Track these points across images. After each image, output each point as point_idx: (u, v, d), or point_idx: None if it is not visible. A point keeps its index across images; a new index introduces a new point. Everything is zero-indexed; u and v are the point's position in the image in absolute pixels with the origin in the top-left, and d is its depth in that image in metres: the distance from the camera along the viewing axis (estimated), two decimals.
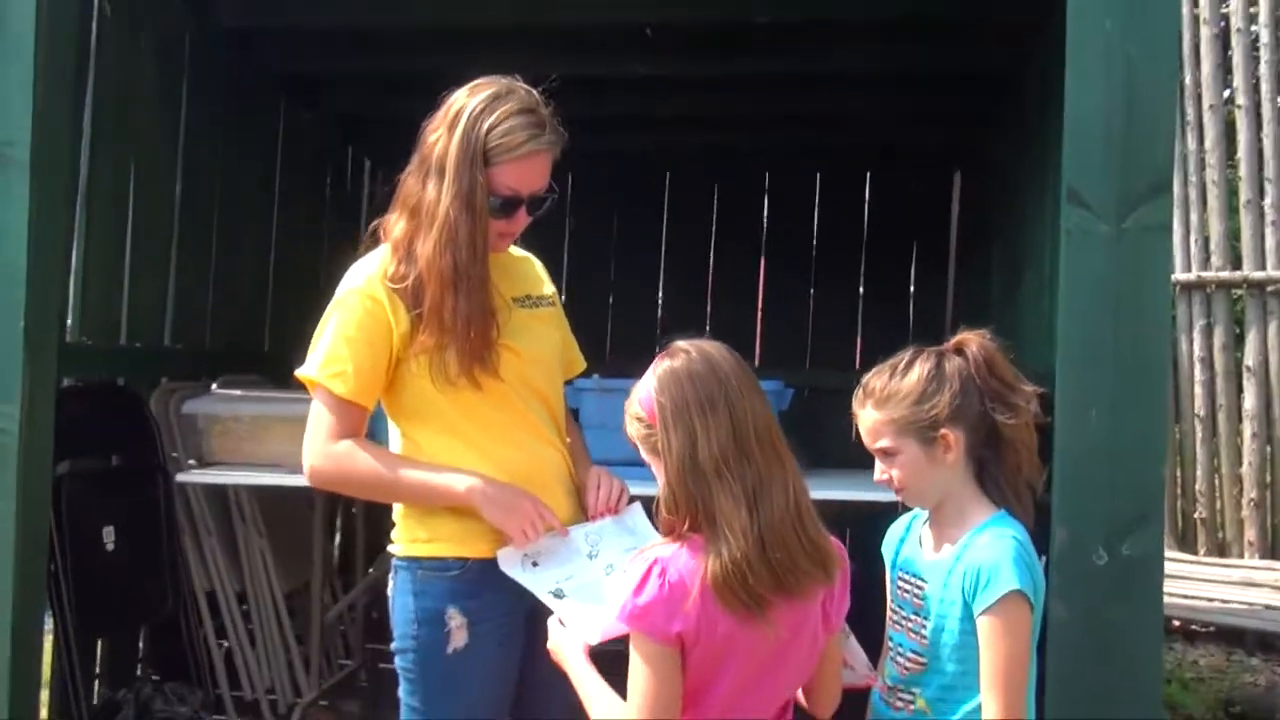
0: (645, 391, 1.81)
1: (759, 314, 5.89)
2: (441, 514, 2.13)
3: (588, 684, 1.85)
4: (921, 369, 1.94)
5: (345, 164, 5.53)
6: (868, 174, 5.82)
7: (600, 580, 2.10)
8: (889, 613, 2.04)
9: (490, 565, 2.12)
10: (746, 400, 1.75)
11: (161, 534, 3.73)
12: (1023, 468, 1.99)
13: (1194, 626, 5.46)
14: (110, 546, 3.50)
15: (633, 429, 1.84)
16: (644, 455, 1.83)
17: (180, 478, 3.50)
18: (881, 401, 1.95)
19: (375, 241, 2.24)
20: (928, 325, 5.55)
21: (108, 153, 3.59)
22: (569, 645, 1.92)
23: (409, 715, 2.16)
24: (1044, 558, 2.43)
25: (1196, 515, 6.89)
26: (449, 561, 2.12)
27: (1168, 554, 6.61)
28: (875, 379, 1.98)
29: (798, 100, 4.83)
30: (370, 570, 4.21)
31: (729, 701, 1.75)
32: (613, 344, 5.61)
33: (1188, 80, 6.89)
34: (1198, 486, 6.88)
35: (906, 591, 1.99)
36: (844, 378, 5.40)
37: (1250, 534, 6.72)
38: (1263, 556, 6.62)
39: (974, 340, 1.98)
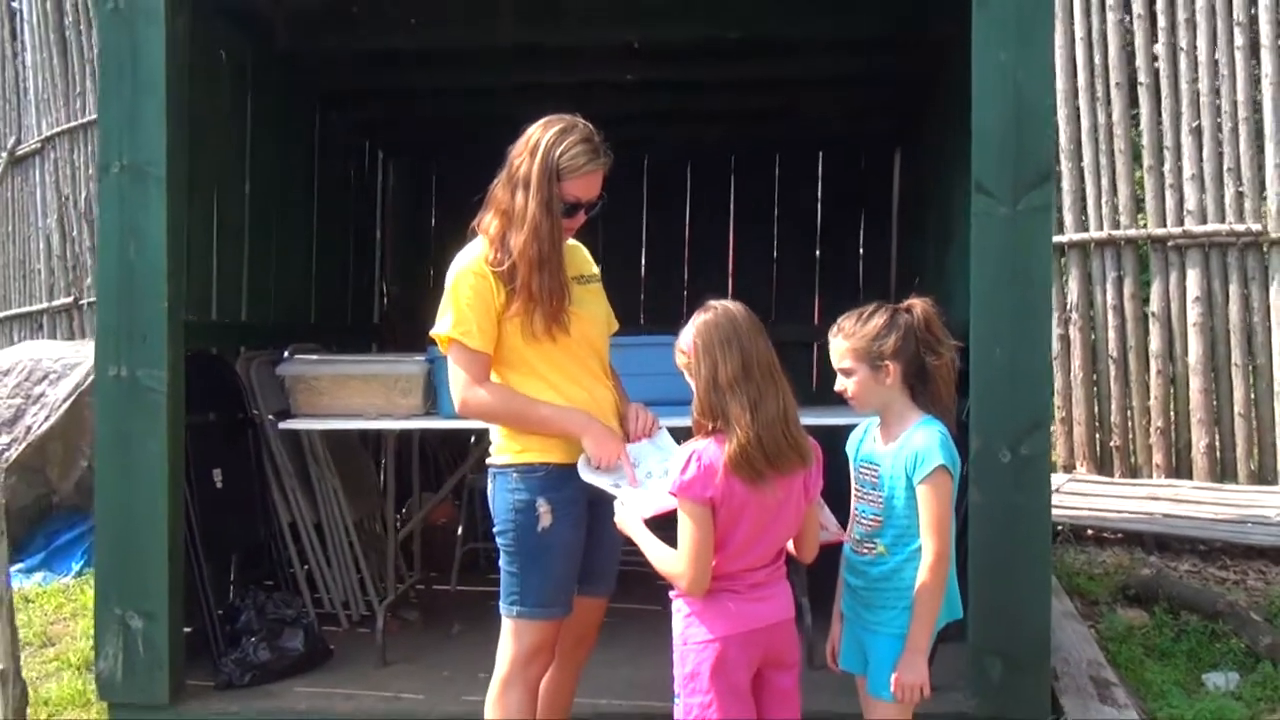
0: (686, 335, 2.64)
1: (730, 277, 6.74)
2: (528, 434, 2.94)
3: (648, 542, 2.68)
4: (880, 318, 2.72)
5: (364, 159, 6.28)
6: (820, 154, 6.67)
7: (643, 481, 2.92)
8: (854, 491, 2.87)
9: (565, 469, 2.93)
10: (751, 341, 2.57)
11: (253, 476, 4.53)
12: (942, 395, 2.80)
13: (1104, 534, 6.40)
14: (219, 485, 4.29)
15: (679, 359, 2.66)
16: (687, 378, 2.65)
17: (283, 425, 4.26)
18: (848, 336, 2.73)
19: (472, 235, 3.02)
20: (875, 284, 6.47)
21: (199, 161, 4.29)
22: (630, 518, 2.76)
23: (509, 579, 2.96)
24: (965, 464, 3.29)
25: (1112, 444, 7.83)
26: (536, 466, 2.92)
27: (1087, 478, 7.62)
28: (846, 320, 2.76)
29: (761, 98, 5.66)
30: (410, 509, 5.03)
31: (743, 547, 2.58)
32: None
33: (1097, 60, 7.78)
34: (1112, 419, 7.81)
35: (866, 474, 2.82)
36: (805, 330, 6.36)
37: (1158, 458, 7.67)
38: (1168, 476, 7.59)
39: (919, 304, 2.75)
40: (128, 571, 3.67)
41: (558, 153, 2.86)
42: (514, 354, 2.94)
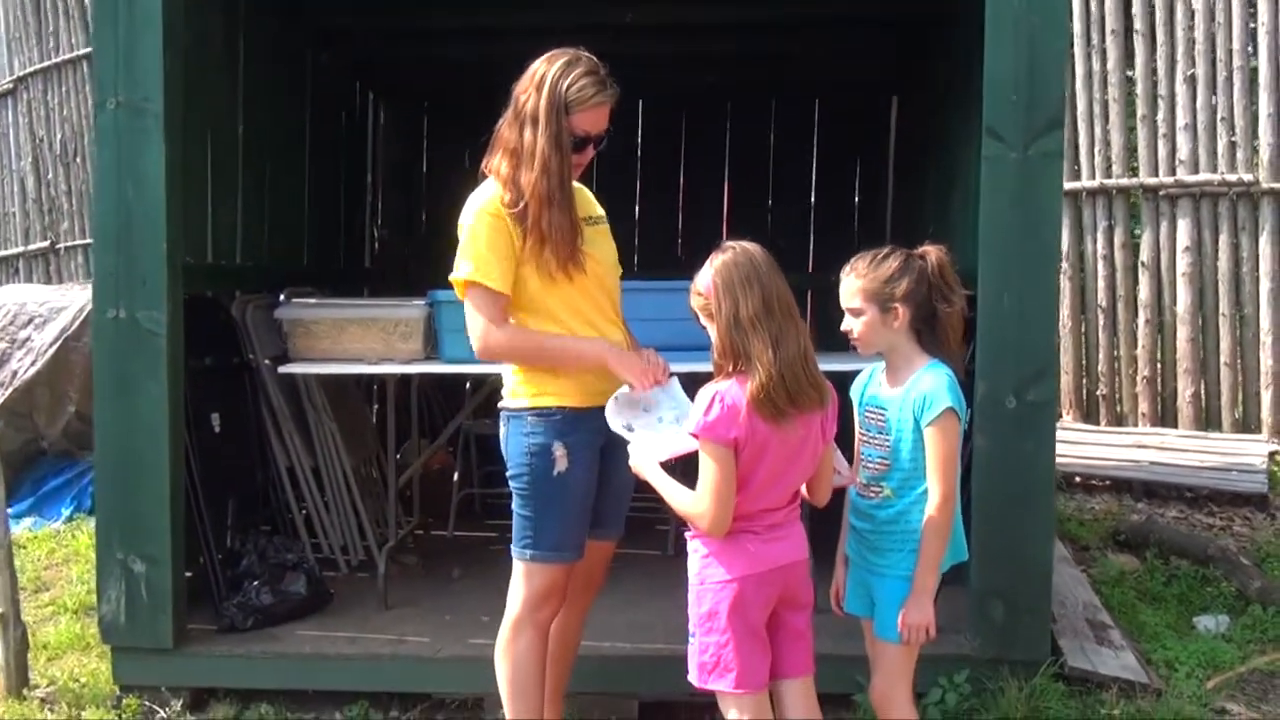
0: (704, 274, 2.61)
1: (724, 225, 6.71)
2: (543, 377, 2.91)
3: (666, 484, 2.67)
4: (894, 261, 2.72)
5: (356, 101, 6.17)
6: (816, 101, 6.61)
7: (655, 425, 2.90)
8: (858, 435, 2.87)
9: (580, 412, 2.91)
10: (771, 280, 2.55)
11: (251, 420, 4.49)
12: (950, 341, 2.79)
13: (1093, 481, 6.46)
14: (217, 430, 4.25)
15: (695, 301, 2.64)
16: (701, 320, 2.64)
17: (283, 369, 4.21)
18: (860, 275, 2.73)
19: (482, 178, 2.97)
20: (870, 233, 6.44)
21: (194, 101, 4.20)
22: (647, 460, 2.75)
23: (522, 522, 2.95)
24: (970, 409, 3.30)
25: (1099, 392, 7.89)
26: (552, 409, 2.90)
27: (1074, 426, 7.69)
28: (860, 261, 2.75)
29: (757, 40, 5.58)
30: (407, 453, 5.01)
31: (763, 487, 2.58)
32: None
33: (1093, 8, 7.73)
34: (1100, 368, 7.86)
35: (872, 418, 2.82)
36: (799, 278, 6.35)
37: (1144, 406, 7.74)
38: (1153, 425, 7.66)
39: (934, 251, 2.75)
40: (129, 515, 3.63)
41: (564, 85, 2.82)
42: (530, 297, 2.91)
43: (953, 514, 2.70)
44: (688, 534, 2.68)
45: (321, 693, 3.70)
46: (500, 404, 3.02)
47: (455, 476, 5.41)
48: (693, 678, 2.67)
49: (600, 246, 3.02)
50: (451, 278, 2.90)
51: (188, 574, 3.99)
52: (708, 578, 2.62)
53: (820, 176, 6.73)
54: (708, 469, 2.54)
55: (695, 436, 2.55)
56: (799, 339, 2.55)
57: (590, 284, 2.94)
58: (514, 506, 2.98)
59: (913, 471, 2.72)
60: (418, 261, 6.59)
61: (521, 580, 2.97)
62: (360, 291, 6.12)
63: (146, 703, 3.66)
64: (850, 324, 2.75)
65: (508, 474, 2.99)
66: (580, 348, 2.89)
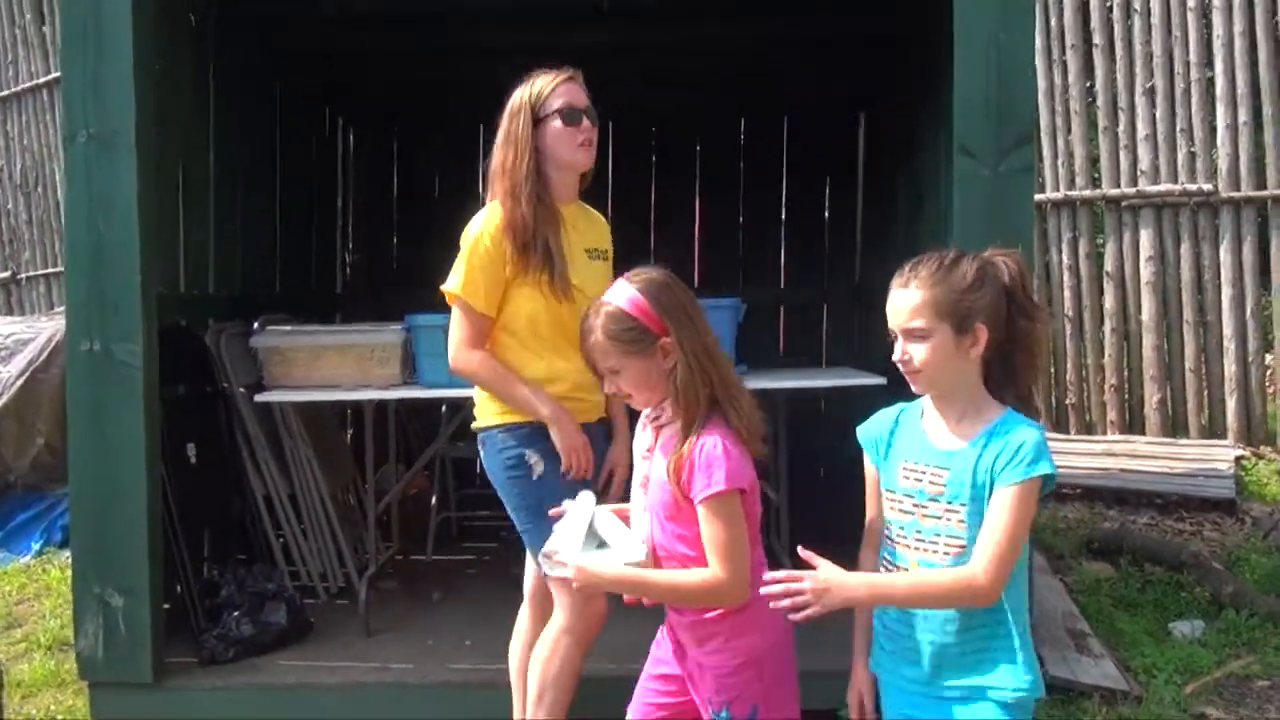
0: (626, 299, 2.17)
1: (696, 242, 6.74)
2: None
3: (656, 578, 2.20)
4: (969, 266, 2.02)
5: (325, 127, 6.15)
6: (785, 118, 6.66)
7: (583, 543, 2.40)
8: (891, 502, 2.11)
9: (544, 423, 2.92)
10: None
11: (226, 449, 4.45)
12: (1023, 377, 2.08)
13: (1064, 490, 6.53)
14: (193, 460, 4.21)
15: (610, 334, 2.19)
16: (618, 361, 2.19)
17: (259, 398, 4.17)
18: (926, 284, 2.00)
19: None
20: (841, 249, 6.49)
21: (164, 130, 4.17)
22: (607, 568, 2.23)
23: (528, 538, 2.95)
24: None
25: (1067, 401, 7.99)
26: (519, 423, 2.95)
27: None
28: (923, 267, 2.03)
29: (726, 58, 5.62)
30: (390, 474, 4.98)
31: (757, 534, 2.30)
32: None
33: (1053, 23, 7.85)
34: (1068, 377, 7.96)
35: (919, 480, 2.06)
36: (770, 294, 6.37)
37: (1111, 415, 7.84)
38: (1121, 432, 7.76)
39: (1011, 257, 2.07)
40: (106, 549, 3.58)
41: (530, 92, 2.93)
42: (517, 318, 2.96)
43: (1000, 596, 2.00)
44: (708, 615, 2.23)
45: None
46: (474, 425, 3.05)
47: (433, 501, 5.39)
48: None
49: (596, 284, 2.98)
50: (444, 288, 2.96)
51: (164, 606, 3.94)
52: (754, 646, 2.22)
53: (790, 192, 6.77)
54: (722, 528, 2.11)
55: (719, 495, 2.12)
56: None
57: (575, 319, 2.94)
58: (516, 527, 2.99)
59: None
60: (390, 286, 6.57)
61: (561, 593, 2.92)
62: (333, 317, 6.09)
63: None
64: (909, 351, 2.04)
65: (499, 494, 3.01)
66: (537, 404, 2.91)
